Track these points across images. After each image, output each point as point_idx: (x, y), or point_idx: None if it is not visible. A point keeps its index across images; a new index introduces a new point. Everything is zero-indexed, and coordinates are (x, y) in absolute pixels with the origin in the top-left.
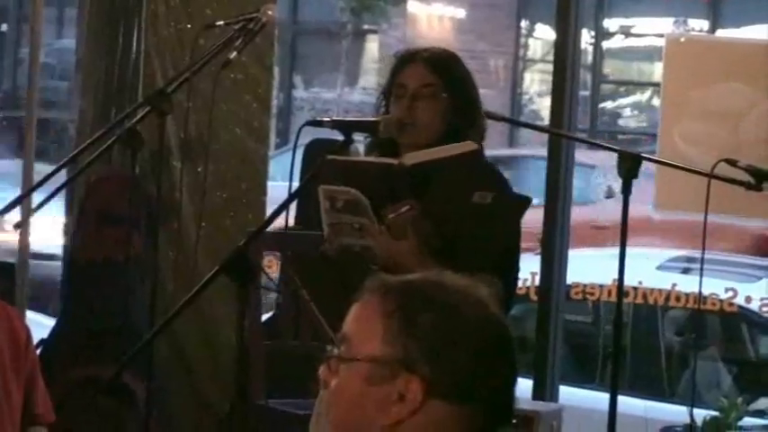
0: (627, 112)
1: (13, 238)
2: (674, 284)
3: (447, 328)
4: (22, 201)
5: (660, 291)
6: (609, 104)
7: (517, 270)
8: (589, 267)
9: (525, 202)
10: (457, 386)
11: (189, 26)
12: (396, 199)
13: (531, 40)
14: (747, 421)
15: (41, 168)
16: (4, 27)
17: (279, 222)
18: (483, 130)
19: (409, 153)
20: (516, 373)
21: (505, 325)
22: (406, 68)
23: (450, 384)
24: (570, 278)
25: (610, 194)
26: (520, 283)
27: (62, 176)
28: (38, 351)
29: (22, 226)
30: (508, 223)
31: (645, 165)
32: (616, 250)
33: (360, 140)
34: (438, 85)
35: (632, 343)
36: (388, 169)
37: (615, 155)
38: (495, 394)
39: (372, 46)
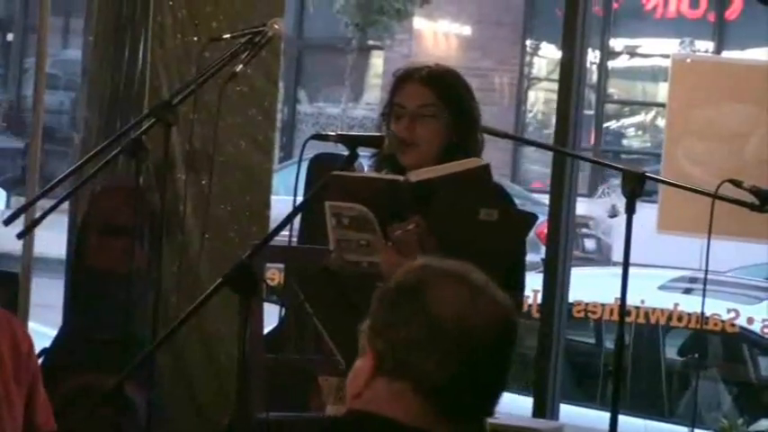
0: (631, 132)
1: (16, 247)
2: (677, 304)
3: (407, 308)
4: (25, 210)
5: (662, 311)
6: (613, 124)
7: (523, 288)
8: (592, 286)
9: (531, 220)
10: (396, 361)
11: (195, 38)
12: (401, 215)
13: (536, 59)
14: None
15: None
16: (10, 37)
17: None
18: (481, 144)
19: (414, 170)
20: (479, 373)
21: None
22: (404, 88)
23: (392, 359)
24: (572, 296)
25: (614, 213)
26: None
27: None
28: (39, 360)
29: (26, 235)
30: (514, 241)
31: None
32: (619, 269)
33: (365, 155)
34: (436, 105)
35: (633, 362)
36: (393, 185)
37: None
38: (434, 378)
39: (377, 62)
